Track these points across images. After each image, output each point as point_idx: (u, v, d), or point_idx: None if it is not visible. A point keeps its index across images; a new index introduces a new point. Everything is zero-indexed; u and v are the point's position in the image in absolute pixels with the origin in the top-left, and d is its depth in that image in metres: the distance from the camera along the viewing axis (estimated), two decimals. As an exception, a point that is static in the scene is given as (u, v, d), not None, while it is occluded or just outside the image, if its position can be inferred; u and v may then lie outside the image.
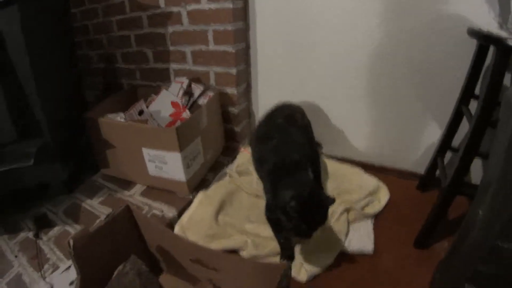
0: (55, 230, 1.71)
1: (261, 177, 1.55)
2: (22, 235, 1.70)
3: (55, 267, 1.51)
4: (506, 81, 1.10)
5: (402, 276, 1.38)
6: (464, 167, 1.26)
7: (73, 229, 1.68)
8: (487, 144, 1.15)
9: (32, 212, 1.83)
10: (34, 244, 1.63)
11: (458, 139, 1.60)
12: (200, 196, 1.76)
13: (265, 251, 1.46)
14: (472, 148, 1.21)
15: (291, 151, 1.43)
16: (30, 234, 1.69)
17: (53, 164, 1.75)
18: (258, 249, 1.46)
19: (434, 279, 1.29)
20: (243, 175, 1.92)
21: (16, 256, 1.59)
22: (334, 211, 1.59)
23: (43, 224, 1.74)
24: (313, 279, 1.38)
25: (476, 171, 1.68)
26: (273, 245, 1.45)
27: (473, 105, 1.30)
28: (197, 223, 1.59)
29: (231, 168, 2.01)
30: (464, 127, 1.44)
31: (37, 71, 1.56)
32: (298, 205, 1.19)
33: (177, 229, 1.60)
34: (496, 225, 0.94)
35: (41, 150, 1.65)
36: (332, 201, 1.25)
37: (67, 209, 1.83)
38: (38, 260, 1.54)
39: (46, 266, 1.52)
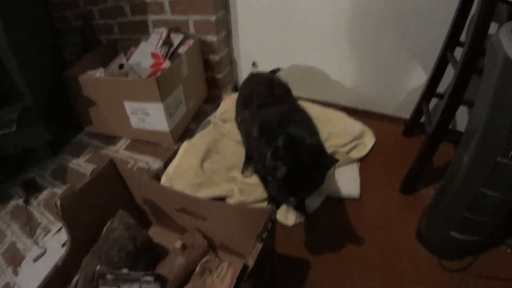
0: (44, 194, 1.73)
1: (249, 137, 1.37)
2: (13, 203, 1.72)
3: (47, 231, 1.53)
4: (492, 30, 1.08)
5: (388, 221, 1.41)
6: (449, 113, 1.26)
7: (62, 190, 1.67)
8: (472, 92, 1.13)
9: (20, 179, 1.83)
10: (25, 211, 1.64)
11: (443, 85, 1.59)
12: (185, 145, 1.76)
13: (251, 197, 1.47)
14: (457, 95, 1.21)
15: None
16: (20, 201, 1.70)
17: (36, 127, 1.74)
18: (244, 196, 1.48)
19: (420, 226, 1.32)
20: (227, 122, 1.91)
21: (8, 225, 1.61)
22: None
23: (32, 189, 1.76)
24: (300, 223, 1.41)
25: (461, 118, 1.69)
26: (260, 192, 1.46)
27: (459, 52, 1.28)
28: (183, 173, 1.60)
29: (215, 116, 2.01)
30: (450, 74, 1.40)
31: (11, 33, 1.53)
32: (289, 146, 1.02)
33: (163, 180, 1.61)
34: (481, 172, 0.96)
35: (23, 114, 1.65)
36: (335, 161, 1.08)
37: (54, 171, 1.85)
38: (30, 226, 1.56)
39: (38, 231, 1.54)
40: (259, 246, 0.92)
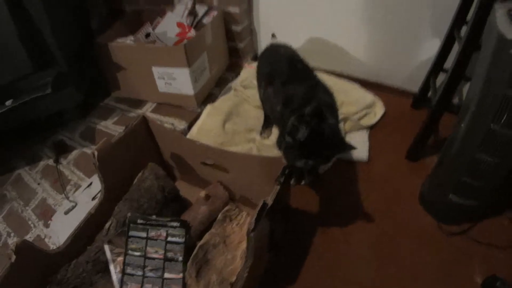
0: (74, 154, 1.83)
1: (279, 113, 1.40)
2: (42, 163, 1.83)
3: (77, 187, 1.64)
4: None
5: (393, 184, 1.51)
6: (451, 86, 1.33)
7: (91, 151, 1.75)
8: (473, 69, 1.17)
9: (50, 141, 1.94)
10: (55, 170, 1.74)
11: (450, 62, 1.59)
12: (208, 108, 1.86)
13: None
14: (459, 69, 1.28)
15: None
16: (50, 161, 1.81)
17: (69, 90, 1.83)
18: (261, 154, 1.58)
19: (422, 189, 1.41)
20: (247, 88, 2.00)
21: (39, 184, 1.71)
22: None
23: (61, 149, 1.86)
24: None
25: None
26: (276, 152, 1.51)
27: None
28: (206, 133, 1.71)
29: (236, 83, 2.09)
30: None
31: (47, 3, 1.61)
32: (315, 114, 1.08)
33: (188, 140, 1.72)
34: (476, 138, 1.05)
35: (56, 78, 1.73)
36: (350, 148, 1.15)
37: (83, 133, 1.95)
38: (60, 183, 1.66)
39: (68, 187, 1.65)
40: (277, 188, 1.04)
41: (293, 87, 1.33)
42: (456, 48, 1.43)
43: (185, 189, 1.49)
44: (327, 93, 1.34)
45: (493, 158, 1.06)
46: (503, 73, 0.89)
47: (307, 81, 1.36)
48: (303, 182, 1.49)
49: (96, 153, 1.21)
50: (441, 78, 1.67)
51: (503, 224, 1.32)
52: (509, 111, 0.94)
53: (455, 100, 1.65)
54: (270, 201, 0.99)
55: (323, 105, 1.18)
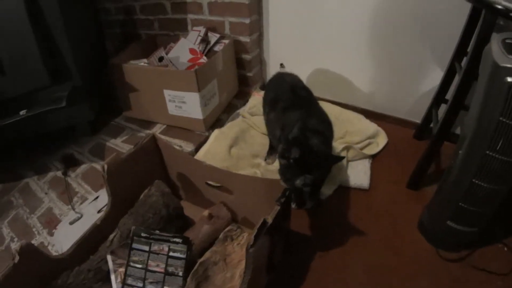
0: (82, 168, 1.87)
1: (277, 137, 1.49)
2: (51, 174, 1.87)
3: (84, 199, 1.67)
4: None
5: (393, 211, 1.52)
6: (451, 116, 1.36)
7: (99, 166, 1.81)
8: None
9: (59, 154, 1.99)
10: (63, 182, 1.78)
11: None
12: (216, 132, 1.92)
13: (272, 181, 1.61)
14: (458, 100, 1.32)
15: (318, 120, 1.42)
16: (59, 173, 1.85)
17: (82, 106, 1.89)
18: (265, 179, 1.61)
19: (422, 217, 1.43)
20: (254, 116, 2.06)
21: (46, 193, 1.75)
22: (335, 148, 1.72)
23: (70, 163, 1.91)
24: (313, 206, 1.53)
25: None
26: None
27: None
28: (212, 156, 1.74)
29: (244, 110, 2.15)
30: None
31: (66, 21, 1.68)
32: (302, 135, 1.20)
33: (195, 162, 1.76)
34: (472, 165, 1.08)
35: (71, 93, 1.79)
36: (340, 159, 1.31)
37: (92, 149, 2.00)
38: (68, 194, 1.70)
39: (75, 199, 1.68)
40: (277, 208, 1.08)
41: (291, 114, 1.41)
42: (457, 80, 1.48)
43: (189, 208, 1.52)
44: (321, 121, 1.40)
45: (489, 184, 1.08)
46: (498, 100, 0.93)
47: (304, 108, 1.43)
48: (305, 207, 1.54)
49: (105, 166, 1.25)
50: (443, 110, 1.67)
51: (501, 251, 1.33)
52: (504, 137, 0.97)
53: (457, 131, 1.70)
54: (270, 220, 1.03)
55: (308, 129, 1.27)
